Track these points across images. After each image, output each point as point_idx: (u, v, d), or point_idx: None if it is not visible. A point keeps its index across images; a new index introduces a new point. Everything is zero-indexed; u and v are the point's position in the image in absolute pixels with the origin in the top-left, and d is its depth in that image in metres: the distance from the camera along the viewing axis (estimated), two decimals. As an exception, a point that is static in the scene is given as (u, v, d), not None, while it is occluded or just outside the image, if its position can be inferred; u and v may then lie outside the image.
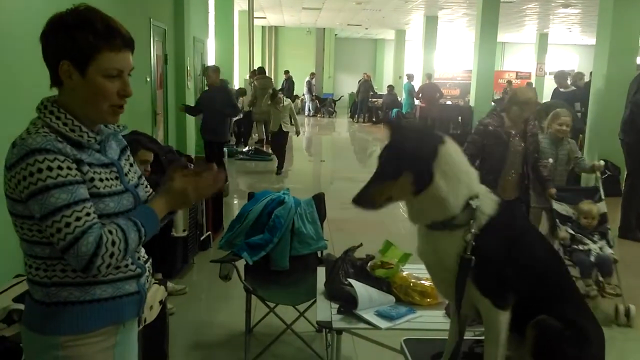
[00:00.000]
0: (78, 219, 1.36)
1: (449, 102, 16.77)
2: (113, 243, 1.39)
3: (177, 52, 7.94)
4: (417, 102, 15.37)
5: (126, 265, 1.52)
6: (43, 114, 1.45)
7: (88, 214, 1.38)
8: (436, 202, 1.53)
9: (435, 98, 14.34)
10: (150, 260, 1.69)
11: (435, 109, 13.91)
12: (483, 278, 1.59)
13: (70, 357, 1.47)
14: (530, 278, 1.64)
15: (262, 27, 22.36)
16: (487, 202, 1.60)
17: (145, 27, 6.40)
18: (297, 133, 10.09)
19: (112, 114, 1.49)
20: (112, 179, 1.50)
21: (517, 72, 21.59)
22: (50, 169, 1.36)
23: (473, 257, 1.54)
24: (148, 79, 6.48)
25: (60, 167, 1.37)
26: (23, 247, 1.48)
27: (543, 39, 22.29)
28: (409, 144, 1.55)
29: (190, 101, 8.26)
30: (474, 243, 1.55)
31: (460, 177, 1.55)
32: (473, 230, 1.55)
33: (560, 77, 9.38)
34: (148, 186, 1.71)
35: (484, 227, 1.57)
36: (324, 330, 3.27)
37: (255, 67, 13.34)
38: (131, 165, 1.64)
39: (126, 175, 1.57)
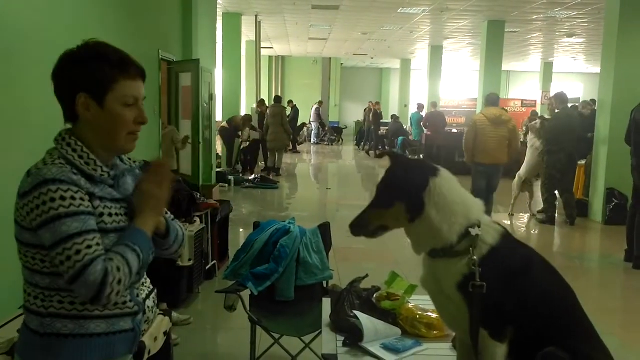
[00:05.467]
0: (89, 246, 1.37)
1: (454, 130, 16.82)
2: (118, 269, 1.39)
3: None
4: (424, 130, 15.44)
5: (124, 302, 1.51)
6: (60, 145, 1.47)
7: (98, 244, 1.39)
8: (430, 230, 1.60)
9: (441, 126, 14.40)
10: (155, 290, 1.68)
11: (441, 137, 13.96)
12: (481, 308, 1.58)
13: None
14: (534, 311, 1.63)
15: (269, 56, 22.68)
16: (490, 232, 1.63)
17: (154, 59, 6.49)
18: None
19: (129, 141, 1.52)
20: (121, 214, 1.51)
21: (522, 100, 21.64)
22: (63, 198, 1.37)
23: (485, 284, 1.55)
24: (156, 110, 6.55)
25: (73, 198, 1.38)
26: (24, 274, 1.49)
27: (548, 67, 22.46)
28: (401, 176, 1.63)
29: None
30: (479, 269, 1.56)
31: (453, 208, 1.61)
32: (475, 257, 1.57)
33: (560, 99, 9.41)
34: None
35: (484, 256, 1.60)
36: (329, 362, 3.21)
37: (262, 97, 13.52)
38: None
39: None
